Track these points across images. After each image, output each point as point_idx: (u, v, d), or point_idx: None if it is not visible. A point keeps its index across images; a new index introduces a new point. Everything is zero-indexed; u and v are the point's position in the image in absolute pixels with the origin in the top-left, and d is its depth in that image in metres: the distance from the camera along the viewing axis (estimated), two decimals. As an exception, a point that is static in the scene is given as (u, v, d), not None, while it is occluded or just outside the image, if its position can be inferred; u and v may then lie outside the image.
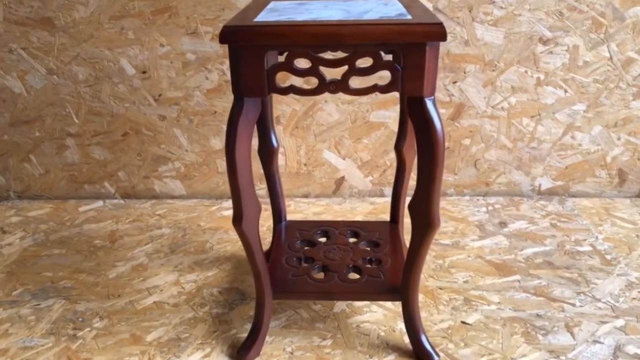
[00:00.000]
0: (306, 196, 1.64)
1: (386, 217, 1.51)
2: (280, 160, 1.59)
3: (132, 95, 1.52)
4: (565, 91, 1.50)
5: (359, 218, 1.51)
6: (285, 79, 1.45)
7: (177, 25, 1.44)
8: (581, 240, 1.37)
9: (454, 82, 1.49)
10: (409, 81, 0.81)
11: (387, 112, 1.53)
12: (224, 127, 1.55)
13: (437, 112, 0.84)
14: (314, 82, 0.83)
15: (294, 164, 1.60)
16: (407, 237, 1.34)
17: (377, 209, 1.55)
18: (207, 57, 1.47)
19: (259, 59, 0.81)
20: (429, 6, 1.42)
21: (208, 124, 1.54)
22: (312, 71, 0.82)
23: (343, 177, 1.61)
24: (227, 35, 0.79)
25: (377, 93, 0.84)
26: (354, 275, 1.06)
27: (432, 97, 0.83)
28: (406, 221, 1.30)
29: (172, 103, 1.52)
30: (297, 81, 1.44)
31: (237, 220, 0.90)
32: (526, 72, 1.48)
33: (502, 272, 1.25)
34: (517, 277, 1.23)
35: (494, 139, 1.55)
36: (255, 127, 1.15)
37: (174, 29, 1.45)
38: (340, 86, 0.83)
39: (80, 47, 1.46)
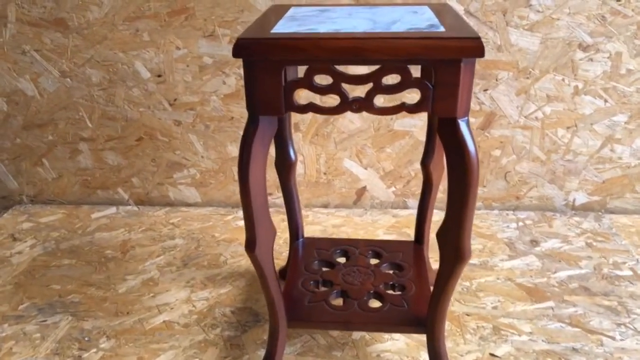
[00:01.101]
0: (325, 206, 1.57)
1: (410, 231, 1.43)
2: (299, 168, 1.52)
3: (146, 100, 1.46)
4: (606, 101, 1.40)
5: (380, 232, 1.43)
6: (304, 95, 1.37)
7: (193, 28, 1.38)
8: (620, 263, 1.28)
9: (485, 90, 1.40)
10: (441, 101, 0.73)
11: (412, 121, 1.45)
12: (242, 133, 1.48)
13: (471, 134, 0.76)
14: (335, 99, 0.76)
15: (314, 172, 1.53)
16: (431, 255, 1.26)
17: (400, 223, 1.47)
18: (225, 61, 1.41)
19: (275, 74, 0.74)
20: (460, 9, 1.33)
21: (225, 130, 1.48)
22: (334, 88, 0.75)
23: (364, 188, 1.54)
24: (241, 48, 0.72)
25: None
26: (375, 303, 0.99)
27: (466, 118, 0.76)
28: (432, 237, 1.23)
29: (187, 108, 1.46)
30: (317, 98, 1.37)
31: (250, 246, 0.83)
32: (563, 80, 1.38)
33: (534, 298, 1.17)
34: (550, 303, 1.15)
35: (526, 150, 1.46)
36: (273, 140, 1.08)
37: (190, 31, 1.38)
38: (364, 105, 0.75)
39: (94, 49, 1.41)
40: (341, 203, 1.56)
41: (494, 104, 1.42)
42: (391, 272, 1.06)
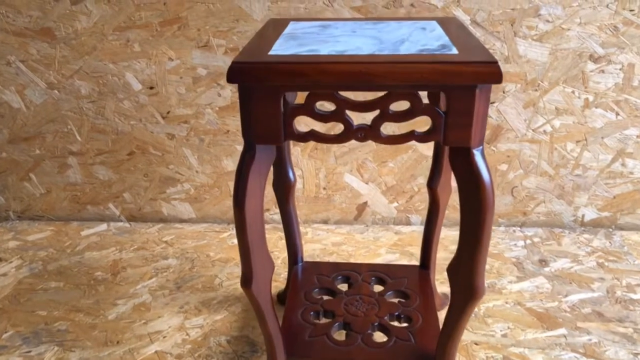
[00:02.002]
0: (325, 222, 1.51)
1: (413, 250, 1.37)
2: (298, 183, 1.46)
3: (138, 112, 1.40)
4: (617, 114, 1.34)
5: (382, 250, 1.37)
6: (304, 120, 1.32)
7: (187, 38, 1.31)
8: (634, 286, 1.22)
9: (492, 103, 1.34)
10: (454, 129, 0.67)
11: (408, 124, 1.39)
12: (238, 147, 1.42)
13: (486, 164, 0.70)
14: (339, 127, 0.70)
15: (313, 187, 1.47)
16: (437, 277, 1.20)
17: (403, 241, 1.42)
18: (220, 72, 1.34)
19: (274, 101, 0.67)
20: (467, 19, 1.27)
21: (220, 144, 1.42)
22: (337, 115, 0.69)
23: (365, 203, 1.48)
24: (237, 73, 0.66)
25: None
26: (379, 336, 0.93)
27: (481, 147, 0.70)
28: (439, 260, 1.17)
29: (181, 121, 1.40)
30: (320, 125, 1.31)
31: (246, 282, 0.77)
32: (573, 92, 1.33)
33: (545, 324, 1.11)
34: (562, 330, 1.09)
35: (533, 164, 1.40)
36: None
37: (183, 42, 1.32)
38: (370, 133, 0.69)
39: (83, 60, 1.35)
40: (341, 219, 1.50)
41: (500, 117, 1.36)
42: (396, 301, 1.01)
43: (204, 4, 1.28)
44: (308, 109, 0.68)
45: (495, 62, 0.64)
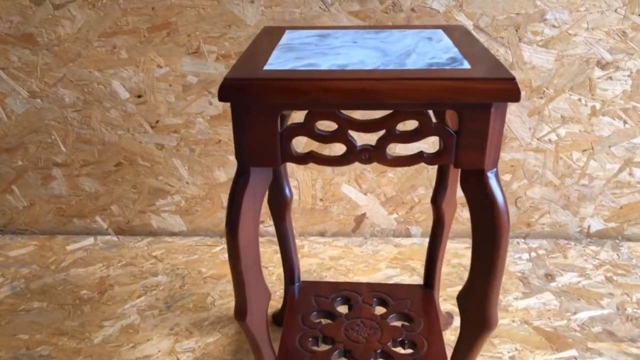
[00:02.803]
0: (322, 234, 1.45)
1: (414, 264, 1.32)
2: (294, 194, 1.39)
3: (125, 122, 1.33)
4: (625, 122, 1.29)
5: (382, 265, 1.32)
6: (304, 142, 1.26)
7: (176, 44, 1.25)
8: (644, 302, 1.18)
9: (495, 111, 1.29)
10: (466, 151, 0.62)
11: (416, 144, 1.33)
12: (230, 157, 1.36)
13: (501, 188, 0.64)
14: (341, 148, 0.64)
15: (309, 199, 1.41)
16: (441, 295, 1.15)
17: (403, 254, 1.36)
18: (211, 80, 1.28)
19: (270, 120, 0.62)
20: (470, 24, 1.21)
21: (212, 154, 1.36)
22: (339, 136, 0.63)
23: (364, 214, 1.42)
24: (230, 90, 0.60)
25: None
26: (382, 364, 0.88)
27: (495, 170, 0.64)
28: (443, 272, 1.11)
29: (171, 131, 1.34)
30: (320, 145, 1.25)
31: (240, 314, 0.71)
32: (580, 100, 1.28)
33: (554, 345, 1.06)
34: (573, 352, 1.04)
35: (538, 174, 1.35)
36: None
37: (173, 48, 1.26)
38: (375, 155, 0.64)
39: (67, 68, 1.28)
40: (339, 231, 1.44)
41: (504, 125, 1.30)
42: (399, 324, 0.95)
43: (194, 9, 1.22)
44: (307, 129, 0.63)
45: (513, 79, 0.58)
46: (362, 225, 1.44)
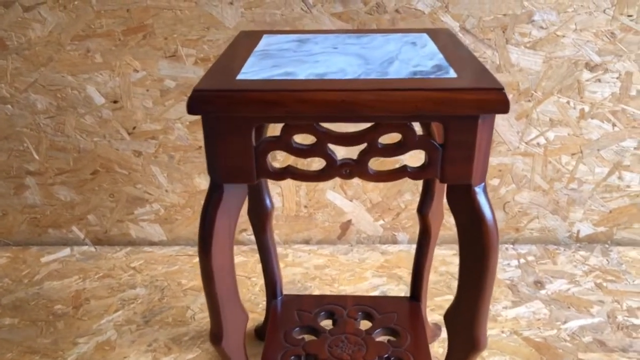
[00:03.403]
0: (307, 242, 1.41)
1: (401, 272, 1.28)
2: (277, 202, 1.36)
3: (101, 128, 1.28)
4: (614, 125, 1.27)
5: (369, 274, 1.28)
6: (281, 156, 1.22)
7: (153, 47, 1.20)
8: (635, 309, 1.15)
9: (482, 114, 1.26)
10: (452, 165, 0.58)
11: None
12: (211, 164, 1.31)
13: (489, 203, 0.61)
14: (320, 162, 0.60)
15: (293, 206, 1.37)
16: (428, 305, 1.12)
17: (390, 262, 1.33)
18: (190, 84, 1.24)
19: (244, 134, 0.58)
20: (456, 26, 1.18)
21: (191, 161, 1.31)
22: (318, 150, 0.59)
23: (350, 221, 1.39)
24: (199, 103, 0.56)
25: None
26: (368, 383, 0.84)
27: (483, 184, 0.61)
28: (430, 280, 1.07)
29: (148, 137, 1.29)
30: (299, 160, 1.21)
31: (216, 339, 0.67)
32: (568, 102, 1.25)
33: (544, 356, 1.03)
34: (563, 363, 1.02)
35: (527, 179, 1.33)
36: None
37: (149, 52, 1.21)
38: (356, 169, 0.60)
39: (38, 72, 1.23)
40: (324, 238, 1.41)
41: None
42: (385, 340, 0.91)
43: (171, 11, 1.17)
44: (284, 143, 0.59)
45: (501, 89, 0.55)
46: (348, 232, 1.40)
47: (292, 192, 1.36)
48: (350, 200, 1.36)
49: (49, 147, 1.30)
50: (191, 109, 0.56)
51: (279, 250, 1.37)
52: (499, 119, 1.27)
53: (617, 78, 1.22)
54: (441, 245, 1.38)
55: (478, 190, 0.60)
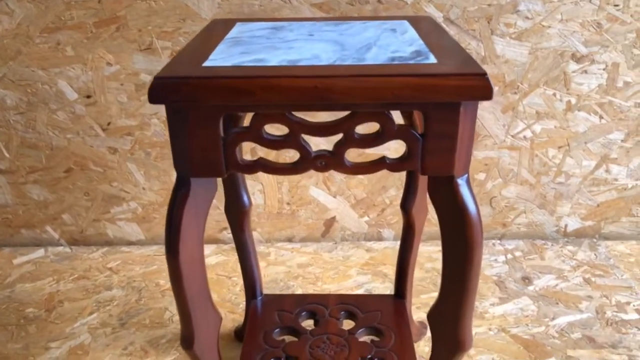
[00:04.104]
0: (290, 240, 1.37)
1: (386, 270, 1.25)
2: (258, 199, 1.32)
3: (74, 125, 1.23)
4: (601, 117, 1.24)
5: (353, 271, 1.25)
6: (252, 149, 1.18)
7: (127, 40, 1.16)
8: (624, 304, 1.13)
9: (468, 107, 1.23)
10: (433, 155, 0.55)
11: (386, 143, 1.26)
12: (190, 160, 1.27)
13: (473, 196, 0.58)
14: (294, 154, 0.56)
15: (275, 203, 1.33)
16: (414, 302, 1.09)
17: (375, 259, 1.29)
18: (166, 78, 1.19)
19: (211, 124, 0.54)
20: (439, 16, 1.15)
21: (168, 157, 1.27)
22: (291, 141, 0.56)
23: (334, 218, 1.35)
24: (161, 91, 0.52)
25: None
26: (350, 386, 0.81)
27: (466, 176, 0.57)
28: (414, 278, 1.04)
29: (124, 133, 1.25)
30: (271, 152, 1.17)
31: (187, 342, 0.63)
32: (554, 94, 1.22)
33: (533, 354, 1.01)
34: (552, 361, 0.99)
35: (513, 173, 1.30)
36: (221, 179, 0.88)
37: (123, 44, 1.16)
38: (332, 161, 0.57)
39: (7, 67, 1.18)
40: (308, 236, 1.37)
41: (477, 122, 1.25)
42: (369, 340, 0.88)
43: (144, 2, 1.13)
44: (254, 134, 0.55)
45: (484, 74, 0.52)
46: (332, 229, 1.36)
47: (274, 189, 1.32)
48: (334, 197, 1.33)
49: (19, 144, 1.25)
50: (153, 98, 0.52)
51: (261, 248, 1.33)
52: (485, 111, 1.24)
53: (603, 69, 1.20)
54: (427, 241, 1.36)
55: (461, 182, 0.57)
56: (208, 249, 1.33)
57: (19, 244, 1.36)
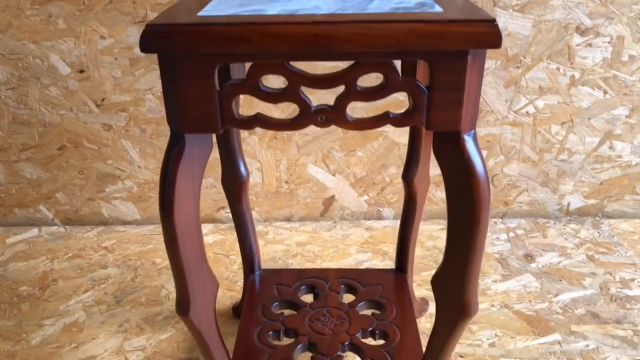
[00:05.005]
0: (288, 219, 1.35)
1: (386, 248, 1.23)
2: (256, 177, 1.30)
3: (67, 100, 1.21)
4: (605, 92, 1.22)
5: (353, 250, 1.23)
6: (250, 104, 1.15)
7: (120, 12, 1.13)
8: (628, 280, 1.11)
9: (470, 82, 1.20)
10: (440, 109, 0.53)
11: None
12: (186, 137, 1.25)
13: (480, 153, 0.55)
14: (293, 109, 0.54)
15: (273, 181, 1.31)
16: (415, 279, 1.07)
17: (375, 237, 1.27)
18: (161, 52, 1.16)
19: (206, 75, 0.51)
20: (441, -13, 1.12)
21: (164, 134, 1.25)
22: (290, 94, 0.53)
23: (333, 197, 1.33)
24: (154, 38, 0.49)
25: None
26: (351, 357, 0.79)
27: (473, 131, 0.55)
28: (417, 263, 1.02)
29: (118, 109, 1.22)
30: (268, 107, 1.14)
31: (182, 308, 0.61)
32: (558, 69, 1.20)
33: (536, 329, 0.99)
34: (556, 336, 0.97)
35: (515, 150, 1.28)
36: (218, 148, 0.86)
37: (117, 17, 1.13)
38: (333, 116, 0.54)
39: (-3, 40, 1.15)
40: (306, 215, 1.35)
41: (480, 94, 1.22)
42: (369, 313, 0.86)
43: (138, -28, 1.10)
44: (251, 86, 0.52)
45: (492, 20, 0.49)
46: (331, 208, 1.34)
47: (272, 167, 1.29)
48: (333, 175, 1.31)
49: (11, 121, 1.23)
50: (144, 46, 0.49)
51: (260, 228, 1.31)
52: (487, 86, 1.22)
53: (608, 42, 1.18)
54: (427, 220, 1.33)
55: (467, 138, 0.54)
56: (205, 228, 1.31)
57: (12, 223, 1.33)
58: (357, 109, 1.20)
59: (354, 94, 0.53)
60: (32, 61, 1.17)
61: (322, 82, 0.52)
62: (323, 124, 0.54)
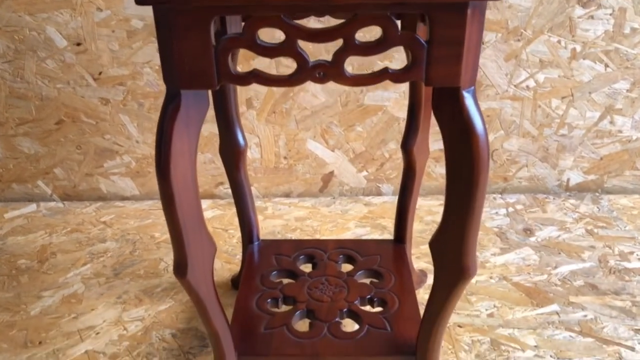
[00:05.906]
0: (287, 195, 1.35)
1: (385, 222, 1.23)
2: (255, 152, 1.29)
3: (65, 74, 1.20)
4: (607, 66, 1.21)
5: (352, 224, 1.23)
6: (247, 59, 1.14)
7: (117, -17, 1.12)
8: (627, 254, 1.11)
9: (470, 55, 1.19)
10: (439, 64, 0.52)
11: (386, 93, 1.23)
12: (184, 112, 1.24)
13: (479, 110, 0.55)
14: (290, 64, 0.53)
15: (272, 157, 1.30)
16: (414, 252, 1.07)
17: (374, 212, 1.27)
18: (158, 24, 1.15)
19: (201, 28, 0.51)
20: (441, -43, 1.10)
21: (163, 109, 1.24)
22: (287, 48, 0.52)
23: (332, 173, 1.32)
24: (148, -10, 0.49)
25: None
26: (350, 325, 0.79)
27: (472, 88, 0.54)
28: (415, 234, 1.02)
29: (116, 83, 1.21)
30: (265, 63, 1.13)
31: (180, 269, 0.61)
32: (559, 42, 1.19)
33: (535, 300, 0.99)
34: (555, 307, 0.97)
35: (515, 124, 1.27)
36: (215, 118, 0.85)
37: (113, -12, 1.12)
38: (331, 71, 0.53)
39: (-7, 12, 1.14)
40: (305, 191, 1.34)
41: (479, 71, 1.21)
42: (368, 281, 0.86)
43: (134, -59, 1.08)
44: (248, 40, 0.52)
45: (493, -29, 0.48)
46: (330, 184, 1.34)
47: (271, 143, 1.29)
48: (332, 151, 1.30)
49: (8, 94, 1.22)
50: (140, -3, 0.49)
51: (258, 203, 1.31)
52: (487, 60, 1.21)
53: (610, 14, 1.17)
54: (426, 196, 1.33)
55: (467, 94, 0.54)
56: (204, 204, 1.30)
57: (10, 199, 1.33)
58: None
59: (352, 47, 0.52)
60: (29, 33, 1.16)
61: (320, 35, 0.52)
62: (321, 79, 0.53)
